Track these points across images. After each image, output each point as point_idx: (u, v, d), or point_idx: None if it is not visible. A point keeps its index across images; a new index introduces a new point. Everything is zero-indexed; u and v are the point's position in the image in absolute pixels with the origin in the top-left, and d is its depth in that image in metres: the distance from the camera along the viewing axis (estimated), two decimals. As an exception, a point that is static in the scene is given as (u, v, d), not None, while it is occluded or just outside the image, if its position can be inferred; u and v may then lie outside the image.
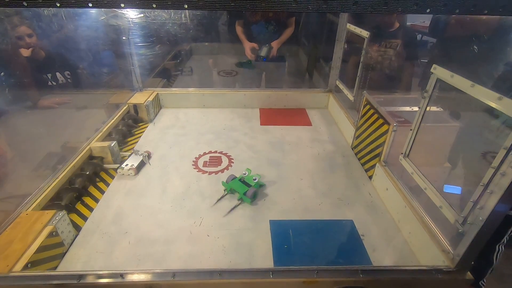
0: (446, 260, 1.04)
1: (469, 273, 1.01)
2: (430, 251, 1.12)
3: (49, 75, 2.17)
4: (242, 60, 1.94)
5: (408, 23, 2.78)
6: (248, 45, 2.57)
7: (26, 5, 0.53)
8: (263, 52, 2.51)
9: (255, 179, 1.51)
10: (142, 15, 2.28)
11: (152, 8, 0.55)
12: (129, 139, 2.04)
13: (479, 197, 0.93)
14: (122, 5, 0.55)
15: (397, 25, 2.34)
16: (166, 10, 2.55)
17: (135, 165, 1.68)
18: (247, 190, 1.46)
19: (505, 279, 2.26)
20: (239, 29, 2.64)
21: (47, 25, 2.22)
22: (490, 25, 2.00)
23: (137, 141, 2.01)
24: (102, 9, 2.03)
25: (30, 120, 1.98)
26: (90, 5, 0.54)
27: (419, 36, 3.62)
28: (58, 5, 0.54)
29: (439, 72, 1.12)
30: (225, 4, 0.59)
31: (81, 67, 2.35)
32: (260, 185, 1.57)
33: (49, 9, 2.13)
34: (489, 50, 2.03)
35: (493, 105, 0.90)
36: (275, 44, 2.57)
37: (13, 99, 1.96)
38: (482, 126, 1.88)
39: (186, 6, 0.54)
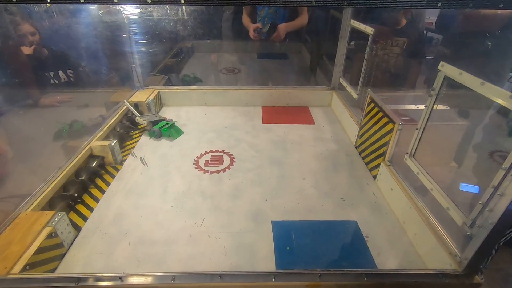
0: (453, 263, 1.01)
1: (477, 277, 0.98)
2: (436, 254, 1.09)
3: (52, 73, 2.16)
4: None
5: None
6: (252, 27, 2.46)
7: (14, 1, 0.50)
8: (265, 28, 2.43)
9: (164, 125, 2.00)
10: (138, 10, 2.25)
11: (147, 3, 0.52)
12: (128, 141, 2.02)
13: (488, 199, 0.90)
14: (115, 0, 0.52)
15: (404, 22, 2.27)
16: (163, 7, 2.52)
17: (151, 120, 1.99)
18: (154, 127, 1.98)
19: (511, 279, 2.22)
20: (245, 16, 2.55)
21: (50, 23, 2.21)
22: (502, 20, 1.95)
23: (138, 140, 1.99)
24: (99, 5, 2.01)
25: (31, 119, 1.97)
26: (82, 0, 0.52)
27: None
28: (48, 0, 0.51)
29: (446, 69, 1.08)
30: (223, -1, 0.56)
31: (83, 65, 2.34)
32: (171, 133, 1.99)
33: (51, 6, 2.12)
34: (502, 46, 1.98)
35: (504, 103, 0.86)
36: (282, 26, 2.44)
37: (15, 98, 1.95)
38: (491, 125, 1.85)
39: (182, 2, 0.51)
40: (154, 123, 2.03)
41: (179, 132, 2.03)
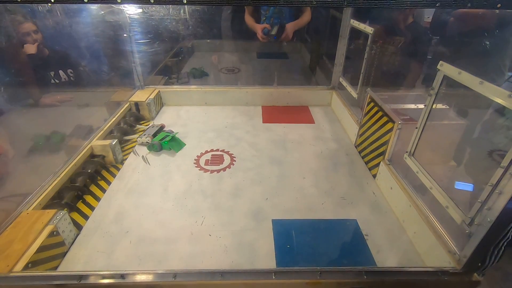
0: (452, 261, 1.02)
1: (475, 275, 0.99)
2: (435, 252, 1.10)
3: (52, 73, 2.16)
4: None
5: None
6: (259, 27, 2.44)
7: (19, 0, 0.51)
8: (274, 30, 2.42)
9: (164, 137, 1.88)
10: (140, 10, 2.25)
11: (150, 3, 0.53)
12: (130, 137, 2.03)
13: (487, 198, 0.90)
14: (119, 0, 0.52)
15: (411, 20, 2.24)
16: (166, 6, 2.52)
17: (151, 134, 1.91)
18: (153, 140, 1.86)
19: (510, 278, 2.23)
20: (247, 16, 2.53)
21: (52, 22, 2.21)
22: (494, 19, 1.95)
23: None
24: (101, 4, 2.01)
25: (31, 118, 1.97)
26: (85, 0, 0.52)
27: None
28: (52, 0, 0.51)
29: (445, 68, 1.09)
30: (225, -2, 0.57)
31: (84, 64, 2.34)
32: (173, 146, 1.87)
33: (53, 6, 2.12)
34: (497, 45, 1.98)
35: (503, 103, 0.87)
36: (290, 26, 2.44)
37: (15, 97, 1.95)
38: (489, 124, 1.85)
39: (185, 1, 0.52)
40: (154, 135, 1.92)
41: (180, 144, 1.90)
